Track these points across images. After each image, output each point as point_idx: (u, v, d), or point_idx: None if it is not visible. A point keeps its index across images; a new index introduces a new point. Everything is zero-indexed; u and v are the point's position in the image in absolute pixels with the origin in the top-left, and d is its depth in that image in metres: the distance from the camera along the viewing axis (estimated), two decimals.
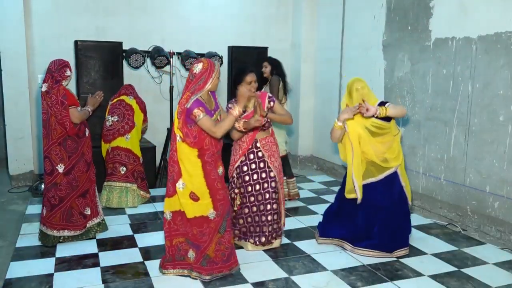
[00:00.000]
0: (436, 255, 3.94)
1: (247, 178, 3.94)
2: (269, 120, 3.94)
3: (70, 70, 4.03)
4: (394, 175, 3.94)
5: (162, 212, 4.76)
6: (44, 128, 4.02)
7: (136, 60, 5.79)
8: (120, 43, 5.72)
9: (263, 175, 3.94)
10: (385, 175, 3.90)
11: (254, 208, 3.95)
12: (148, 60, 6.04)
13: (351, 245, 3.95)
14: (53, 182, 3.96)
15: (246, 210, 3.97)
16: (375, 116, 3.73)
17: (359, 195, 3.88)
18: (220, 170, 3.47)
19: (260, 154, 3.95)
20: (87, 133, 4.15)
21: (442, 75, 4.89)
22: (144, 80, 6.43)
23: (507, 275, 3.57)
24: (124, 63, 5.83)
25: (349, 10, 6.45)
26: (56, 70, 3.94)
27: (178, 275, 3.47)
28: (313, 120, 7.39)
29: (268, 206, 3.95)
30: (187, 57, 6.06)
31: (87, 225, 4.15)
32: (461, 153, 4.71)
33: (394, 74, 5.58)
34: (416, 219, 4.89)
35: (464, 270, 3.64)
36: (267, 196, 3.95)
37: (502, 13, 4.25)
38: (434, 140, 5.02)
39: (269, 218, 3.96)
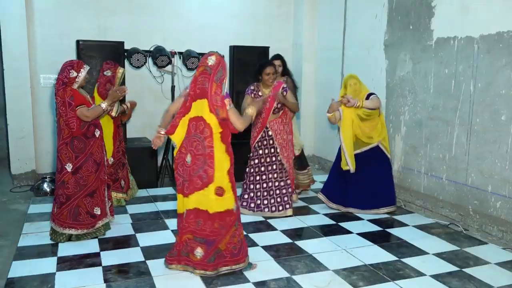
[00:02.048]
0: (438, 255, 3.93)
1: (260, 152, 4.84)
2: (279, 106, 4.80)
3: (77, 71, 3.96)
4: (377, 148, 4.92)
5: (164, 212, 4.78)
6: (57, 128, 4.07)
7: (138, 60, 5.79)
8: (122, 43, 5.73)
9: (272, 150, 4.83)
10: (368, 148, 4.91)
11: (264, 176, 4.84)
12: (149, 60, 6.04)
13: (352, 208, 4.98)
14: (61, 180, 4.00)
15: (257, 178, 4.85)
16: (357, 106, 4.72)
17: (351, 166, 4.86)
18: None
19: (270, 133, 4.82)
20: (97, 134, 4.09)
21: (444, 74, 4.89)
22: (145, 79, 6.44)
23: (509, 275, 3.56)
24: (126, 62, 5.84)
25: (350, 9, 6.44)
26: (60, 72, 3.96)
27: (182, 270, 3.49)
28: (314, 119, 7.39)
29: (275, 175, 4.84)
30: (188, 57, 6.06)
31: (97, 225, 4.16)
32: (463, 152, 4.70)
33: (396, 74, 5.57)
34: (418, 218, 4.89)
35: (466, 270, 3.64)
36: (274, 167, 4.84)
37: (504, 13, 4.24)
38: (436, 140, 5.02)
39: (276, 184, 4.84)
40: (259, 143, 4.86)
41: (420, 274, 3.56)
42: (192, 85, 3.39)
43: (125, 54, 5.76)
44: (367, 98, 4.81)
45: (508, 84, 4.21)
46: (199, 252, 3.41)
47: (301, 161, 5.63)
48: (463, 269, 3.65)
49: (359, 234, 4.39)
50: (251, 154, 4.91)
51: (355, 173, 4.89)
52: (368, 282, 3.41)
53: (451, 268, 3.68)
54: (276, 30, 7.34)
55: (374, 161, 4.92)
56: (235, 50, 6.31)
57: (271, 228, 4.54)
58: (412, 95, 5.33)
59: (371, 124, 4.88)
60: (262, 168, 4.85)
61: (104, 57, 5.46)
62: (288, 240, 4.22)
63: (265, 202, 4.85)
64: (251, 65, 6.05)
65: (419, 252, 3.99)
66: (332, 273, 3.55)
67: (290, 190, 4.93)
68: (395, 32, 5.56)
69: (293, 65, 7.42)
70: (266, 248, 4.02)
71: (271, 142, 4.82)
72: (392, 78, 5.64)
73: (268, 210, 4.84)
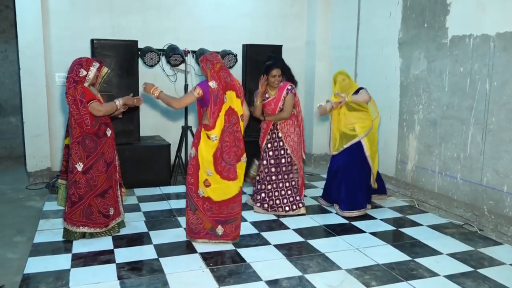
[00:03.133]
0: (452, 255, 3.89)
1: (270, 153, 4.88)
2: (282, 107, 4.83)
3: (86, 69, 3.94)
4: (358, 144, 4.83)
5: (177, 210, 4.81)
6: (69, 127, 4.11)
7: (151, 59, 5.82)
8: (136, 42, 5.76)
9: (282, 152, 4.87)
10: (350, 144, 4.83)
11: (274, 177, 4.87)
12: (163, 59, 6.07)
13: (337, 208, 4.94)
14: (73, 179, 4.01)
15: (268, 179, 4.87)
16: (345, 101, 4.74)
17: (331, 149, 5.04)
18: None
19: (280, 135, 4.86)
20: (108, 133, 4.10)
21: (459, 73, 4.83)
22: (159, 78, 6.46)
23: None
24: (140, 61, 5.87)
25: (364, 7, 6.40)
26: (70, 71, 3.96)
27: (205, 242, 4.02)
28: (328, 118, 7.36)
29: (286, 176, 4.89)
30: (202, 56, 6.06)
31: (110, 224, 4.19)
32: (478, 152, 4.64)
33: (410, 72, 5.53)
34: (432, 218, 4.85)
35: (481, 271, 3.60)
36: (284, 168, 4.88)
37: None
38: (451, 139, 4.96)
39: (287, 184, 4.88)
40: (269, 145, 4.89)
41: (433, 274, 3.53)
42: (217, 81, 3.86)
43: (139, 53, 5.80)
44: (356, 92, 4.83)
45: None
46: (220, 229, 4.01)
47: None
48: (478, 270, 3.61)
49: (372, 233, 4.37)
50: (262, 155, 4.95)
51: (338, 171, 4.92)
52: (381, 282, 3.39)
53: (465, 268, 3.64)
54: (289, 28, 7.32)
55: (353, 160, 4.84)
56: (248, 49, 6.31)
57: (283, 226, 4.54)
58: (426, 93, 5.28)
59: (357, 115, 4.84)
60: (273, 169, 4.89)
61: (118, 56, 5.51)
62: (301, 239, 4.21)
63: (278, 202, 4.88)
64: (264, 63, 6.05)
65: (432, 252, 3.95)
66: (344, 273, 3.54)
67: (298, 196, 4.93)
68: (410, 30, 5.51)
69: (306, 64, 7.41)
70: (279, 246, 4.02)
71: (281, 144, 4.86)
72: (406, 77, 5.60)
73: (282, 210, 4.87)
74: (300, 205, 4.89)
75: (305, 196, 5.30)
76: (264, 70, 4.82)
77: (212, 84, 3.83)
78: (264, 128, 4.93)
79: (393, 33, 5.77)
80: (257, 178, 4.98)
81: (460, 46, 4.81)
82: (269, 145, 4.89)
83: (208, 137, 3.85)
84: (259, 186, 4.95)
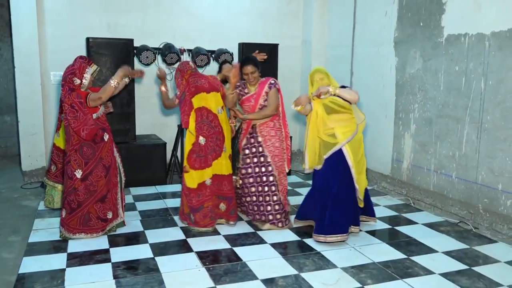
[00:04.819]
0: (447, 253, 3.91)
1: (248, 160, 4.37)
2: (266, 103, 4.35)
3: (79, 77, 3.91)
4: (339, 153, 4.00)
5: (173, 209, 4.80)
6: (66, 134, 4.07)
7: (147, 57, 5.81)
8: (131, 40, 5.74)
9: (262, 159, 4.33)
10: (331, 153, 4.01)
11: (253, 189, 4.36)
12: (159, 57, 6.06)
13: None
14: (72, 186, 4.00)
15: (246, 190, 4.40)
16: (331, 94, 3.93)
17: (307, 163, 4.17)
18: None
19: (259, 139, 4.34)
20: (106, 138, 4.07)
21: (454, 72, 4.85)
22: (154, 77, 6.45)
23: None
24: (135, 60, 5.86)
25: (360, 6, 6.41)
26: (64, 79, 3.95)
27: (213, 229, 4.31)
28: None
29: (266, 188, 4.32)
30: (197, 54, 6.06)
31: (107, 227, 4.19)
32: (473, 150, 4.66)
33: (406, 71, 5.54)
34: (427, 217, 4.86)
35: (476, 269, 3.61)
36: (264, 179, 4.33)
37: None
38: (446, 138, 4.98)
39: (268, 198, 4.32)
40: (247, 151, 4.37)
41: (429, 272, 3.55)
42: (184, 88, 4.27)
43: (135, 51, 5.79)
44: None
45: None
46: (222, 206, 4.34)
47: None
48: (473, 268, 3.63)
49: (367, 232, 4.38)
50: (239, 163, 4.45)
51: (314, 187, 4.23)
52: (376, 280, 3.40)
53: (461, 266, 3.65)
54: (285, 27, 7.32)
55: (334, 173, 4.02)
56: (244, 47, 6.30)
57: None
58: (422, 92, 5.30)
59: (338, 118, 4.02)
60: (251, 180, 4.35)
61: (114, 54, 5.49)
62: (297, 238, 4.21)
63: (258, 217, 4.39)
64: (260, 62, 6.04)
65: (428, 250, 3.96)
66: (340, 271, 3.55)
67: (282, 208, 4.36)
68: (405, 29, 5.52)
69: (302, 63, 7.42)
70: (275, 245, 4.02)
71: (260, 149, 4.32)
72: (402, 76, 5.61)
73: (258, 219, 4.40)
74: (287, 222, 4.39)
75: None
76: (239, 67, 4.42)
77: (177, 92, 4.32)
78: (244, 129, 4.47)
79: (389, 32, 5.78)
80: (235, 189, 4.48)
81: (456, 45, 4.82)
82: (246, 151, 4.38)
83: (191, 133, 4.26)
84: (239, 200, 4.57)
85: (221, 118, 4.32)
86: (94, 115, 3.98)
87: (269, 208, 4.32)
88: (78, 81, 3.93)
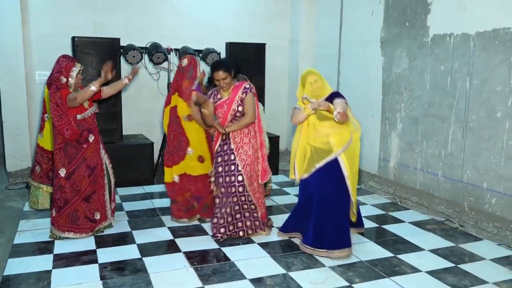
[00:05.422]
0: (434, 251, 3.94)
1: (219, 169, 4.08)
2: (240, 109, 3.99)
3: (66, 76, 3.90)
4: (335, 162, 3.72)
5: (160, 209, 4.78)
6: (53, 133, 4.10)
7: (134, 57, 5.77)
8: (118, 39, 5.70)
9: (232, 167, 4.01)
10: (326, 162, 3.73)
11: (224, 199, 4.08)
12: (145, 57, 6.02)
13: (300, 239, 3.97)
14: (59, 184, 4.00)
15: (217, 201, 4.16)
16: (330, 110, 3.63)
17: (297, 175, 3.90)
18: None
19: (232, 146, 4.02)
20: (91, 139, 4.03)
21: (440, 71, 4.90)
22: (141, 76, 6.41)
23: (504, 271, 3.58)
24: (122, 59, 5.81)
25: (347, 6, 6.44)
26: (51, 78, 3.95)
27: (190, 221, 4.51)
28: None
29: (235, 199, 4.03)
30: (185, 54, 6.02)
31: (96, 229, 4.16)
32: (458, 149, 4.71)
33: (392, 71, 5.58)
34: (413, 215, 4.90)
35: (462, 266, 3.65)
36: (233, 189, 4.01)
37: (500, 9, 4.25)
38: (432, 137, 5.03)
39: (236, 208, 4.05)
40: (219, 158, 4.07)
41: (416, 270, 3.57)
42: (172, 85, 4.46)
43: (121, 50, 5.74)
44: (331, 97, 3.76)
45: (503, 81, 4.22)
46: (195, 204, 4.52)
47: None
48: (459, 265, 3.66)
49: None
50: (212, 172, 4.18)
51: (303, 196, 3.91)
52: (364, 279, 3.42)
53: (447, 264, 3.69)
54: (273, 27, 7.33)
55: (328, 184, 3.75)
56: (231, 47, 6.29)
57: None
58: (408, 92, 5.34)
59: (332, 124, 3.72)
60: (222, 189, 4.07)
61: (100, 54, 5.44)
62: (284, 237, 4.21)
63: (231, 228, 4.10)
64: (247, 62, 6.05)
65: (415, 248, 4.00)
66: (328, 270, 3.56)
67: (257, 221, 4.13)
68: (392, 29, 5.56)
69: (290, 62, 7.43)
70: (263, 245, 4.02)
71: (232, 157, 3.99)
72: (388, 75, 5.65)
73: (244, 234, 4.12)
74: (253, 227, 4.13)
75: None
76: (210, 75, 4.13)
77: (196, 83, 4.42)
78: (215, 138, 4.14)
79: (375, 31, 5.81)
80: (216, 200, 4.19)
81: (441, 45, 4.87)
82: (219, 159, 4.07)
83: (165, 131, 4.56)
84: (213, 210, 4.23)
85: (186, 125, 4.40)
86: (79, 116, 3.95)
87: (247, 214, 4.10)
88: (65, 80, 3.90)
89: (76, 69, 3.96)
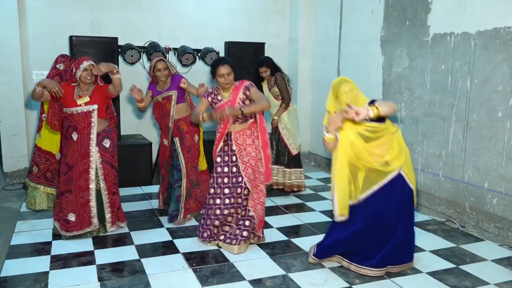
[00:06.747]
0: (435, 252, 3.92)
1: (219, 169, 3.92)
2: (246, 115, 3.78)
3: (76, 68, 4.00)
4: (399, 178, 3.35)
5: (159, 210, 4.73)
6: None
7: (132, 56, 5.74)
8: (116, 39, 5.66)
9: (234, 169, 3.89)
10: (389, 179, 3.32)
11: (227, 200, 3.89)
12: (144, 56, 5.99)
13: (347, 261, 3.54)
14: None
15: (218, 201, 3.92)
16: (367, 119, 3.14)
17: (336, 211, 3.37)
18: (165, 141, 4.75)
19: (234, 147, 3.88)
20: (74, 137, 3.98)
21: (440, 70, 4.87)
22: (140, 76, 6.37)
23: (506, 272, 3.56)
24: (120, 59, 5.78)
25: (347, 5, 6.41)
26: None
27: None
28: (310, 116, 7.36)
29: (239, 200, 3.88)
30: (183, 53, 6.01)
31: (72, 232, 4.01)
32: (459, 149, 4.68)
33: (393, 70, 5.55)
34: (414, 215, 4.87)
35: (463, 267, 3.62)
36: (239, 190, 3.86)
37: (501, 8, 4.22)
38: (433, 136, 5.00)
39: (239, 211, 3.91)
40: (220, 158, 3.93)
41: (416, 271, 3.55)
42: None
43: (119, 50, 5.71)
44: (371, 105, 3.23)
45: (504, 80, 4.19)
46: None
47: (297, 160, 5.56)
48: (460, 266, 3.64)
49: None
50: (212, 171, 4.01)
51: (362, 214, 3.40)
52: (364, 280, 3.39)
53: (448, 265, 3.67)
54: (272, 25, 7.30)
55: (394, 201, 3.36)
56: (230, 46, 6.26)
57: (266, 225, 4.51)
58: (408, 91, 5.31)
59: (380, 143, 3.32)
60: (218, 190, 3.92)
61: (97, 53, 5.40)
62: (284, 238, 4.19)
63: (221, 229, 3.99)
64: (246, 61, 6.03)
65: (415, 249, 3.95)
66: (328, 271, 3.53)
67: (253, 224, 3.91)
68: (392, 28, 5.53)
69: (289, 61, 7.40)
70: (262, 245, 3.99)
71: (234, 158, 3.87)
72: (389, 75, 5.62)
73: (223, 239, 3.93)
74: (241, 242, 3.83)
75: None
76: (211, 71, 3.93)
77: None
78: (218, 137, 3.94)
79: (375, 30, 5.78)
80: (206, 198, 4.06)
81: (442, 44, 4.84)
82: (218, 159, 3.93)
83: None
84: (203, 211, 4.08)
85: None
86: (65, 109, 4.02)
87: (239, 223, 3.93)
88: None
89: (85, 63, 4.00)
